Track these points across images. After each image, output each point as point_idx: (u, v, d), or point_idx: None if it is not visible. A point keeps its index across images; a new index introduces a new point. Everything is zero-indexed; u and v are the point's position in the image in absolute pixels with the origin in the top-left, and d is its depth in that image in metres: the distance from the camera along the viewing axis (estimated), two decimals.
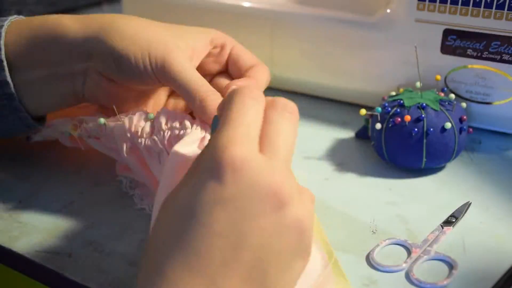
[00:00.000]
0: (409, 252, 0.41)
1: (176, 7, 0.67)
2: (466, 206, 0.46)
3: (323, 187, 0.50)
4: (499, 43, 0.52)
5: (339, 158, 0.54)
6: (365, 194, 0.49)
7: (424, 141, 0.49)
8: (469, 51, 0.53)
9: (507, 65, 0.52)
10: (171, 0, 0.68)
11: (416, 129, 0.48)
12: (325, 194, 0.48)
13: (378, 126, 0.50)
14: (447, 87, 0.55)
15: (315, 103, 0.64)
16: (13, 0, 0.87)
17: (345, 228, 0.43)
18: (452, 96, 0.52)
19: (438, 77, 0.53)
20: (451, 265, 0.40)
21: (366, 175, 0.51)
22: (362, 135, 0.56)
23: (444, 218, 0.45)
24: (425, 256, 0.41)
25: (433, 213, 0.46)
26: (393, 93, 0.54)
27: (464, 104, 0.53)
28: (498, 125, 0.56)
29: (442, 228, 0.44)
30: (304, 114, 0.62)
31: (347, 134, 0.58)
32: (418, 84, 0.53)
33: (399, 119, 0.49)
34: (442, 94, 0.52)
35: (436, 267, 0.40)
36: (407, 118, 0.49)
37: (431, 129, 0.48)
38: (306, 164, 0.53)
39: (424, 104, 0.49)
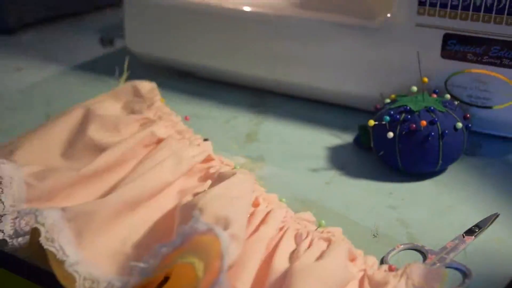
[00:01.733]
0: (424, 257, 0.41)
1: (177, 12, 0.68)
2: (493, 217, 0.45)
3: (324, 191, 0.50)
4: (499, 47, 0.52)
5: (340, 162, 0.54)
6: (365, 198, 0.49)
7: (440, 143, 0.48)
8: (469, 56, 0.54)
9: (507, 69, 0.52)
10: (173, 5, 0.68)
11: (433, 133, 0.48)
12: (325, 198, 0.48)
13: (391, 134, 0.49)
14: (448, 91, 0.55)
15: (316, 107, 0.64)
16: (14, 2, 0.86)
17: (346, 232, 0.43)
18: (448, 96, 0.53)
19: (425, 79, 0.53)
20: (465, 274, 0.40)
21: (366, 179, 0.51)
22: (357, 143, 0.56)
23: (445, 222, 0.45)
24: (440, 264, 0.40)
25: (433, 217, 0.46)
26: (388, 100, 0.54)
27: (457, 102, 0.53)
28: (499, 129, 0.56)
29: (463, 237, 0.43)
30: (305, 119, 0.62)
31: (348, 138, 0.58)
32: (414, 88, 0.53)
33: (413, 125, 0.49)
34: (435, 96, 0.52)
35: (449, 275, 0.39)
36: (423, 123, 0.48)
37: (446, 131, 0.48)
38: (306, 168, 0.53)
39: (432, 107, 0.49)
